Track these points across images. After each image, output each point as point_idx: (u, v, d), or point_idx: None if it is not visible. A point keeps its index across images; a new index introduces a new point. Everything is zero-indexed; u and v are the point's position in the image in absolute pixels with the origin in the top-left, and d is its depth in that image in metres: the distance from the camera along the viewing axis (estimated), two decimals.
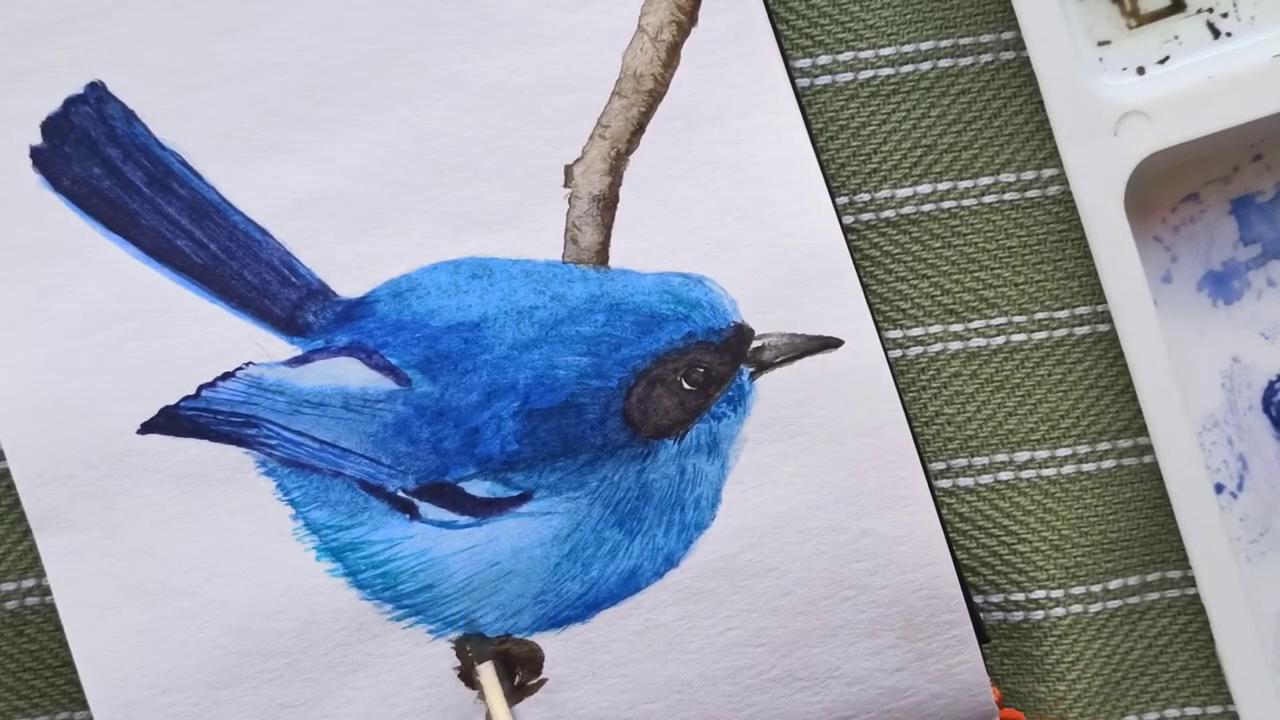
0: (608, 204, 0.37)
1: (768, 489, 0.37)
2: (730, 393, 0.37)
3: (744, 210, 0.37)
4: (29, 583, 0.38)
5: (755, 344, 0.37)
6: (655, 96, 0.37)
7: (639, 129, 0.37)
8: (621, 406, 0.37)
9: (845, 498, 0.37)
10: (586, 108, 0.36)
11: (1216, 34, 0.39)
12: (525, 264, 0.37)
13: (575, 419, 0.37)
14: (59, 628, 0.38)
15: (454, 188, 0.37)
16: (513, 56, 0.36)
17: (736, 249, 0.37)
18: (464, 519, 0.37)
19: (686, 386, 0.37)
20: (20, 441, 0.36)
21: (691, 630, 0.37)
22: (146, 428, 0.36)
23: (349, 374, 0.37)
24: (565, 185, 0.37)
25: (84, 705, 0.38)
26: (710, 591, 0.37)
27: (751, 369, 0.37)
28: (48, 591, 0.38)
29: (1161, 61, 0.39)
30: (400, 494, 0.37)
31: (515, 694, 0.37)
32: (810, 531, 0.37)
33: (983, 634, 0.38)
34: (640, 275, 0.37)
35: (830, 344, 0.37)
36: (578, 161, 0.37)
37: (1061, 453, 0.40)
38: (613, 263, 0.37)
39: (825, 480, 0.37)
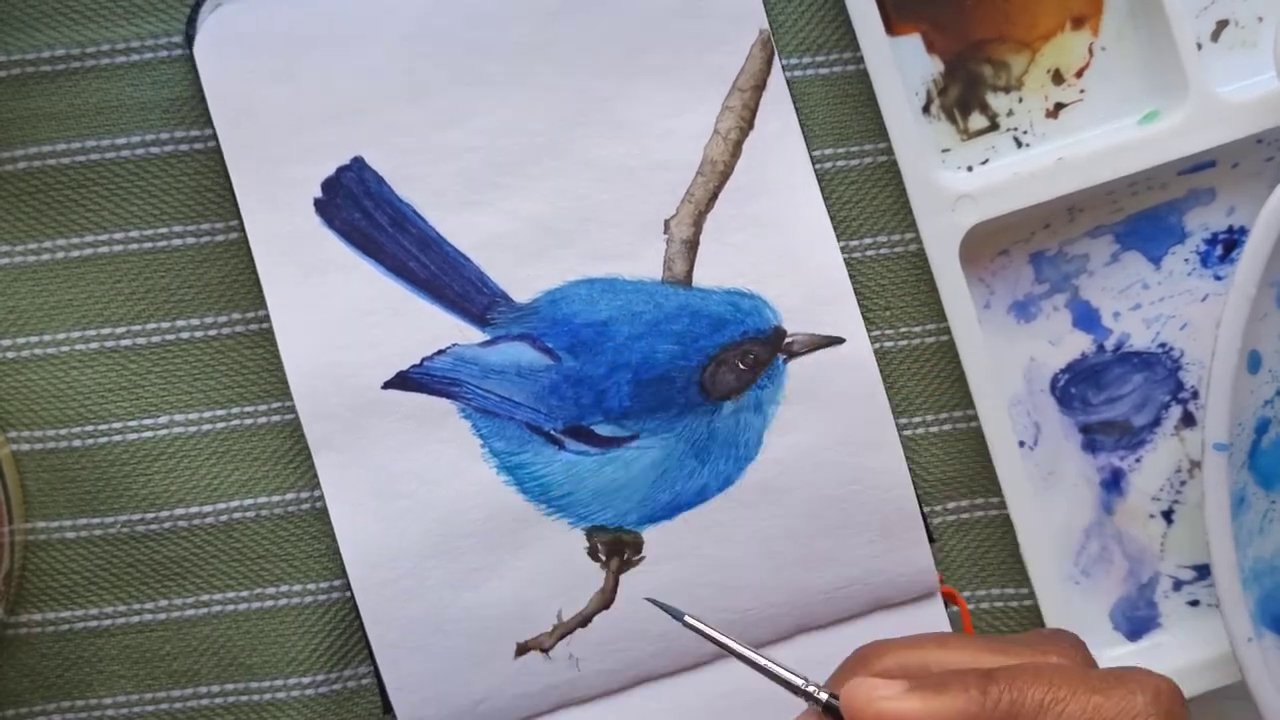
0: (692, 245, 0.43)
1: (793, 435, 0.42)
2: (770, 372, 0.43)
3: (781, 251, 0.43)
4: (305, 494, 0.44)
5: (787, 340, 0.43)
6: (724, 176, 0.43)
7: (714, 196, 0.43)
8: (699, 379, 0.42)
9: (844, 441, 0.42)
10: (679, 182, 0.43)
11: (1019, 145, 0.45)
12: (637, 283, 0.43)
13: (668, 386, 0.42)
14: (316, 519, 0.44)
15: (591, 232, 0.42)
16: (631, 147, 0.42)
17: (776, 276, 0.42)
18: (594, 450, 0.43)
19: (741, 367, 0.42)
20: (305, 392, 0.42)
21: (740, 527, 0.42)
22: (387, 385, 0.42)
23: (521, 353, 0.42)
24: (664, 233, 0.43)
25: (341, 574, 0.43)
26: (754, 501, 0.42)
27: (784, 356, 0.43)
28: (320, 498, 0.43)
29: (984, 162, 0.45)
30: (552, 432, 0.42)
31: (624, 567, 0.42)
32: (821, 463, 0.42)
33: (930, 535, 0.44)
34: (713, 291, 0.43)
35: (836, 341, 0.43)
36: (673, 217, 0.43)
37: (926, 418, 0.45)
38: (695, 283, 0.43)
39: (831, 430, 0.42)
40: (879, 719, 0.33)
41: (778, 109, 0.42)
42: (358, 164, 0.42)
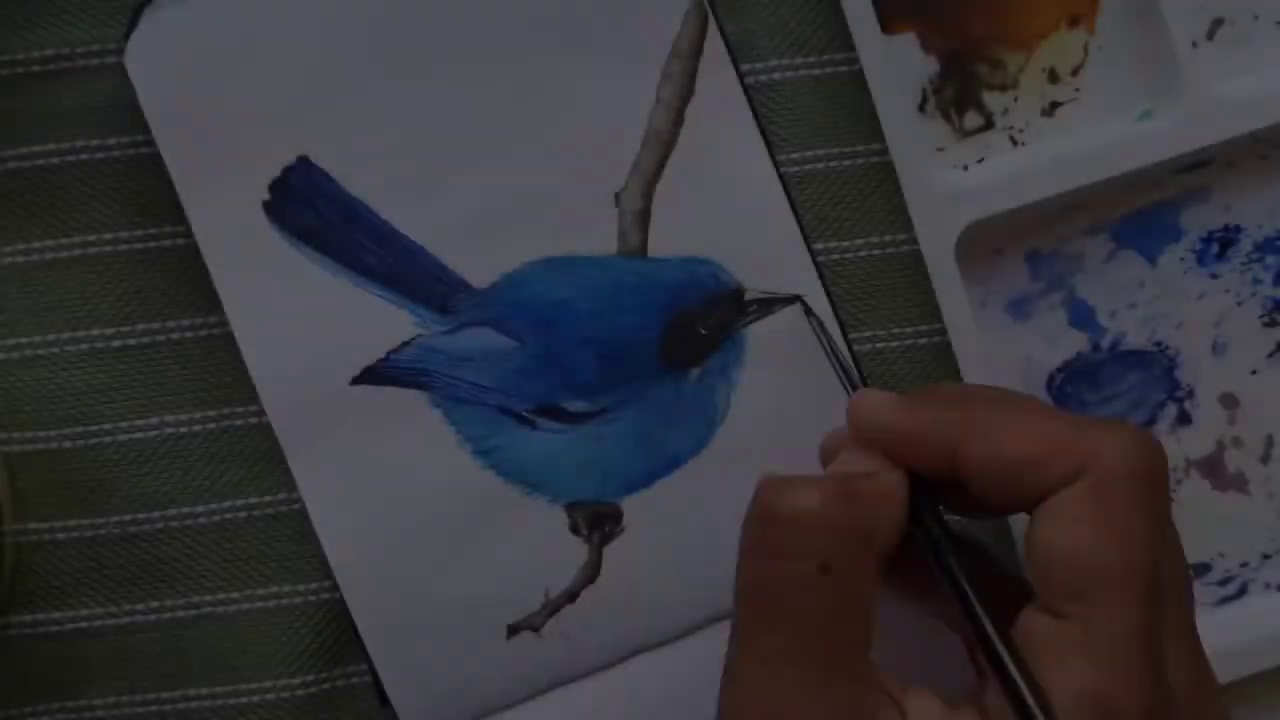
0: (644, 216, 0.43)
1: (760, 395, 0.43)
2: (732, 335, 0.43)
3: (733, 214, 0.43)
4: (296, 494, 0.43)
5: (745, 301, 0.43)
6: (670, 144, 0.43)
7: (661, 165, 0.43)
8: (662, 348, 0.43)
9: (809, 396, 0.43)
10: (626, 154, 0.43)
11: (1015, 143, 0.45)
12: (593, 258, 0.43)
13: (632, 357, 0.43)
14: (306, 520, 0.44)
15: (543, 211, 0.43)
16: (574, 123, 0.43)
17: (730, 239, 0.43)
18: (565, 427, 0.43)
19: (703, 332, 0.43)
20: (273, 393, 0.42)
21: (717, 489, 0.43)
22: (355, 380, 0.43)
23: (485, 338, 0.43)
24: (615, 206, 0.43)
25: (326, 576, 0.43)
26: (728, 463, 0.43)
27: (745, 318, 0.43)
28: (296, 500, 0.43)
29: (979, 161, 0.45)
30: (523, 413, 0.43)
31: (606, 539, 0.43)
32: (789, 420, 0.43)
33: None
34: (668, 260, 0.43)
35: (794, 299, 0.43)
36: (623, 190, 0.43)
37: None
38: (650, 254, 0.43)
39: (795, 386, 0.43)
40: (850, 408, 0.38)
41: (718, 72, 0.43)
42: (303, 164, 0.42)
